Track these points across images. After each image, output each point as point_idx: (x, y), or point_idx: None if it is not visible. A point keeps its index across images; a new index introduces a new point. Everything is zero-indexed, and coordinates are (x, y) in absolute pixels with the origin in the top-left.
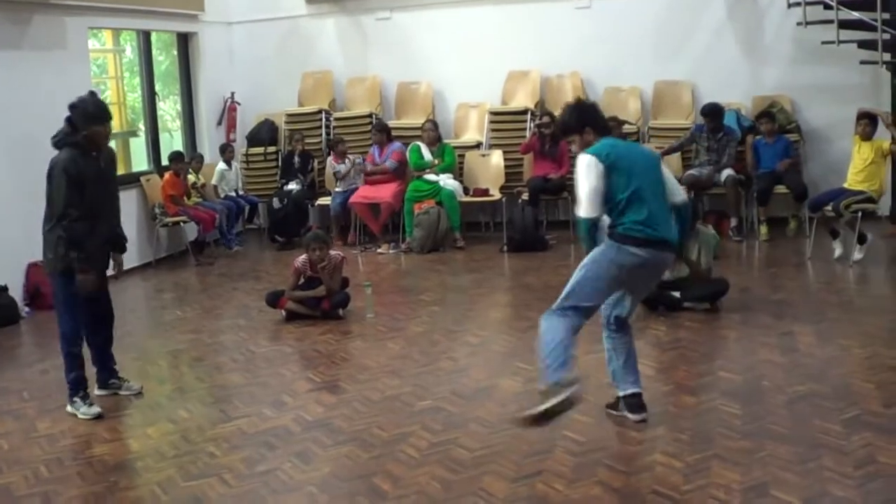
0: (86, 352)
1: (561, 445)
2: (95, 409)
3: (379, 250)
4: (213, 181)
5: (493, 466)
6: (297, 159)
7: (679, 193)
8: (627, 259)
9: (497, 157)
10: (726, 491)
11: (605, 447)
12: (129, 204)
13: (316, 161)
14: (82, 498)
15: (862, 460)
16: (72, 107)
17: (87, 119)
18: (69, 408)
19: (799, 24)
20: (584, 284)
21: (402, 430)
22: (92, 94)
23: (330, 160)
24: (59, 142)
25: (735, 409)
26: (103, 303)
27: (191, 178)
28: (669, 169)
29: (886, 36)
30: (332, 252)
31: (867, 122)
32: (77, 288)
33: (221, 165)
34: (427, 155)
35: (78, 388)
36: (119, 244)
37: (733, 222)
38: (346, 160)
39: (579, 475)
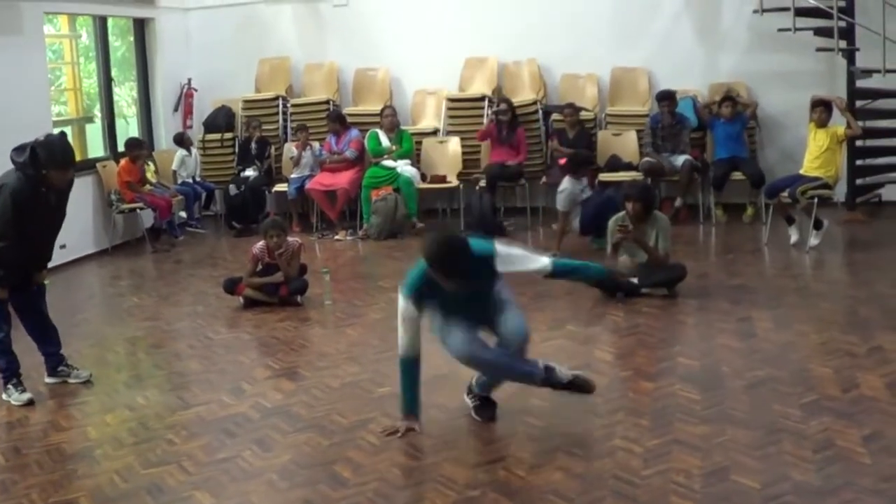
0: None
1: (521, 431)
2: (26, 396)
3: (336, 237)
4: (173, 166)
5: (454, 453)
6: (253, 146)
7: (537, 261)
8: None
9: (454, 144)
10: (686, 475)
11: (566, 433)
12: (84, 190)
13: (273, 148)
14: (40, 486)
15: (820, 444)
16: (39, 144)
17: (51, 162)
18: (3, 395)
19: (755, 11)
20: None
21: (362, 417)
22: (62, 135)
23: (289, 145)
24: (17, 165)
25: (694, 394)
26: (28, 294)
27: (149, 168)
28: (626, 157)
29: (842, 23)
30: (290, 239)
31: (822, 110)
32: None
33: (182, 151)
34: (385, 141)
35: (9, 376)
36: (42, 264)
37: (678, 202)
38: (307, 148)
39: (540, 461)
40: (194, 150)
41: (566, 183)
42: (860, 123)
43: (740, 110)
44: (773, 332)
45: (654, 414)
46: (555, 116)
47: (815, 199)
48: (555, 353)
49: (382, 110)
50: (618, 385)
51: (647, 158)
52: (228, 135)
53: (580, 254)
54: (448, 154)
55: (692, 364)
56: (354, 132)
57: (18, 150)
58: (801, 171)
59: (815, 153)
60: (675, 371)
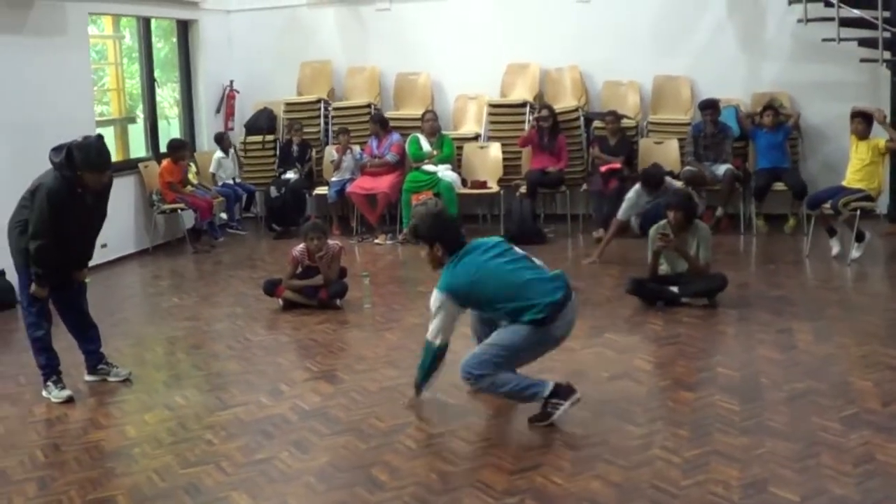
0: (65, 338)
1: (560, 439)
2: (66, 393)
3: (376, 241)
4: (210, 169)
5: (492, 459)
6: (295, 148)
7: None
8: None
9: (495, 150)
10: (725, 487)
11: (604, 441)
12: (126, 190)
13: (314, 151)
14: (78, 483)
15: (860, 458)
16: (75, 145)
17: (86, 164)
18: (44, 392)
19: (800, 21)
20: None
21: (400, 421)
22: (99, 137)
23: (331, 148)
24: (54, 165)
25: (733, 405)
26: (69, 293)
27: (190, 170)
28: (667, 166)
29: (887, 34)
30: (330, 242)
31: (860, 121)
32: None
33: (218, 153)
34: (426, 146)
35: (49, 373)
36: (82, 263)
37: (719, 212)
38: (348, 152)
39: (578, 469)
40: (232, 153)
41: (633, 193)
42: None
43: (782, 120)
44: (814, 344)
45: (693, 424)
46: (596, 124)
47: (858, 211)
48: (594, 361)
49: (423, 115)
50: (657, 394)
51: (688, 167)
52: (270, 137)
53: (620, 264)
54: (489, 159)
55: (732, 375)
56: (396, 136)
57: (56, 150)
58: (844, 183)
59: (858, 166)
60: (715, 381)
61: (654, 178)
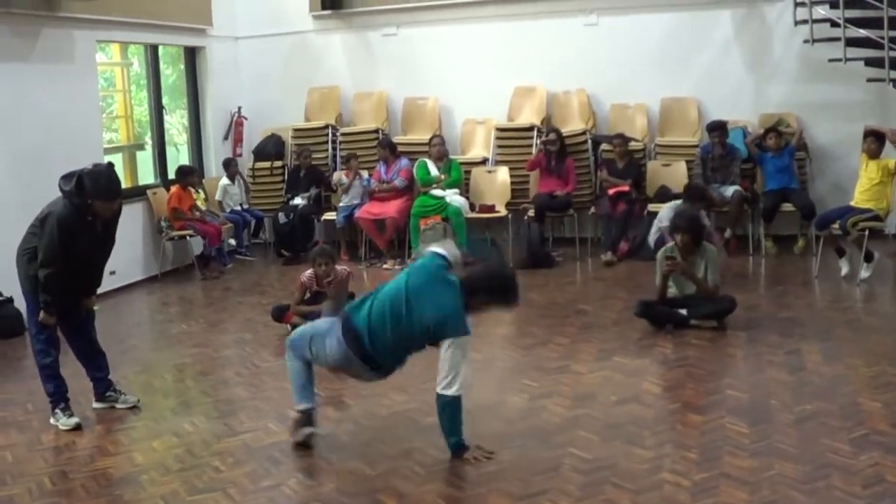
0: (73, 365)
1: (567, 463)
2: (74, 420)
3: (384, 266)
4: (217, 196)
5: (500, 484)
6: (302, 173)
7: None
8: None
9: (503, 174)
10: None
11: (612, 465)
12: (134, 217)
13: (325, 175)
14: None
15: (870, 479)
16: (86, 173)
17: (96, 192)
18: (52, 419)
19: (806, 41)
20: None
21: (408, 446)
22: (109, 166)
23: (339, 173)
24: (64, 193)
25: (742, 427)
26: (77, 320)
27: (199, 196)
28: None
29: (893, 53)
30: (339, 267)
31: (873, 140)
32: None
33: (224, 180)
34: (434, 170)
35: (57, 400)
36: (91, 290)
37: (727, 234)
38: (357, 177)
39: (586, 493)
40: (239, 179)
41: (668, 209)
42: None
43: (787, 140)
44: (823, 365)
45: (702, 447)
46: (604, 146)
47: (866, 232)
48: (602, 384)
49: (431, 139)
50: (666, 417)
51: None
52: (278, 163)
53: (628, 287)
54: (497, 184)
55: (741, 397)
56: (404, 161)
57: (66, 178)
58: (852, 203)
59: (866, 185)
60: (724, 404)
61: (697, 191)
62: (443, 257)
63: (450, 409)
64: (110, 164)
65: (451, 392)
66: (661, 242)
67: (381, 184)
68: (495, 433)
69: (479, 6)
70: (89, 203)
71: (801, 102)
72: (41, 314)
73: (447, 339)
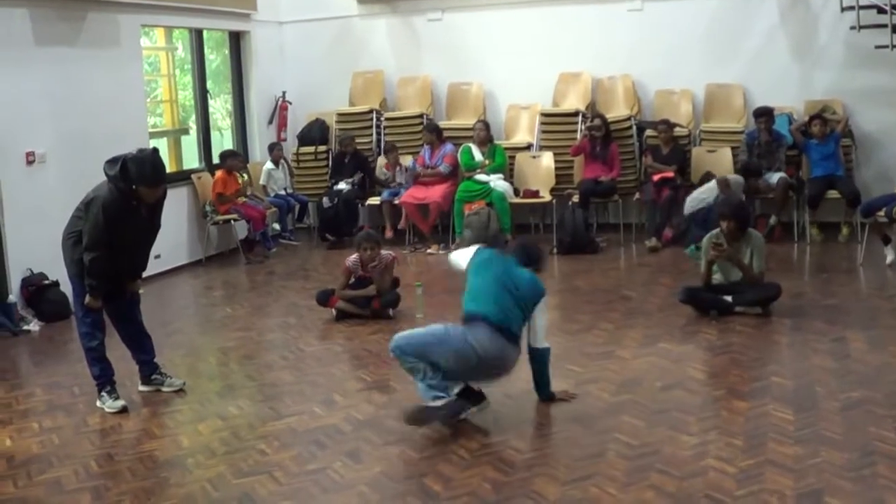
0: (119, 348)
1: (613, 449)
2: (120, 403)
3: (429, 251)
4: (261, 181)
5: (545, 468)
6: (347, 158)
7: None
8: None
9: (548, 159)
10: (780, 497)
11: (658, 451)
12: (179, 201)
13: (369, 162)
14: (132, 493)
15: None
16: (130, 158)
17: (140, 178)
18: (98, 402)
19: (852, 28)
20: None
21: (453, 431)
22: (154, 151)
23: (381, 165)
24: (109, 177)
25: (788, 414)
26: (122, 303)
27: (243, 180)
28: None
29: None
30: (384, 252)
31: None
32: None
33: (268, 165)
34: (478, 156)
35: (103, 383)
36: (136, 274)
37: (773, 220)
38: (398, 168)
39: (631, 479)
40: (283, 164)
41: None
42: None
43: (833, 127)
44: (868, 353)
45: (747, 434)
46: (649, 132)
47: None
48: (647, 370)
49: (474, 124)
50: (711, 404)
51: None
52: (322, 148)
53: (673, 273)
54: (541, 169)
55: (786, 384)
56: (449, 146)
57: (111, 162)
58: None
59: None
60: (769, 391)
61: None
62: (482, 248)
63: (546, 359)
64: (155, 150)
65: (546, 344)
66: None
67: (425, 168)
68: (541, 418)
69: None
70: (133, 188)
71: (847, 89)
72: (87, 298)
73: (541, 300)
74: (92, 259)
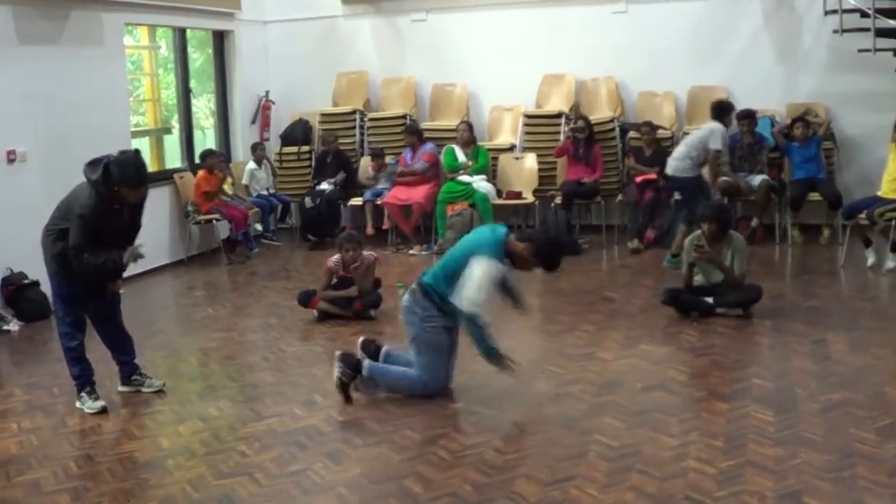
0: (99, 348)
1: (594, 450)
2: (99, 404)
3: (411, 251)
4: (244, 181)
5: (526, 470)
6: (329, 158)
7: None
8: None
9: (531, 161)
10: (760, 498)
11: (638, 452)
12: (161, 201)
13: (352, 162)
14: (111, 495)
15: None
16: (112, 161)
17: (123, 180)
18: (77, 403)
19: (835, 31)
20: None
21: (434, 433)
22: (136, 153)
23: (366, 161)
24: (90, 181)
25: (768, 416)
26: (103, 303)
27: (225, 180)
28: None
29: None
30: (365, 253)
31: None
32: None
33: (251, 165)
34: (461, 157)
35: (83, 383)
36: (116, 274)
37: (754, 223)
38: (383, 170)
39: (612, 480)
40: (265, 164)
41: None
42: None
43: (815, 130)
44: (849, 354)
45: (727, 435)
46: (632, 134)
47: (893, 222)
48: (628, 371)
49: (458, 125)
50: (691, 405)
51: (724, 178)
52: (305, 148)
53: (654, 274)
54: (524, 170)
55: (766, 385)
56: (429, 145)
57: (92, 165)
58: (879, 193)
59: (894, 174)
60: (750, 392)
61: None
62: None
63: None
64: (137, 151)
65: (471, 308)
66: None
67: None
68: (522, 419)
69: None
70: (116, 190)
71: (829, 92)
72: (112, 283)
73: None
74: (76, 262)
